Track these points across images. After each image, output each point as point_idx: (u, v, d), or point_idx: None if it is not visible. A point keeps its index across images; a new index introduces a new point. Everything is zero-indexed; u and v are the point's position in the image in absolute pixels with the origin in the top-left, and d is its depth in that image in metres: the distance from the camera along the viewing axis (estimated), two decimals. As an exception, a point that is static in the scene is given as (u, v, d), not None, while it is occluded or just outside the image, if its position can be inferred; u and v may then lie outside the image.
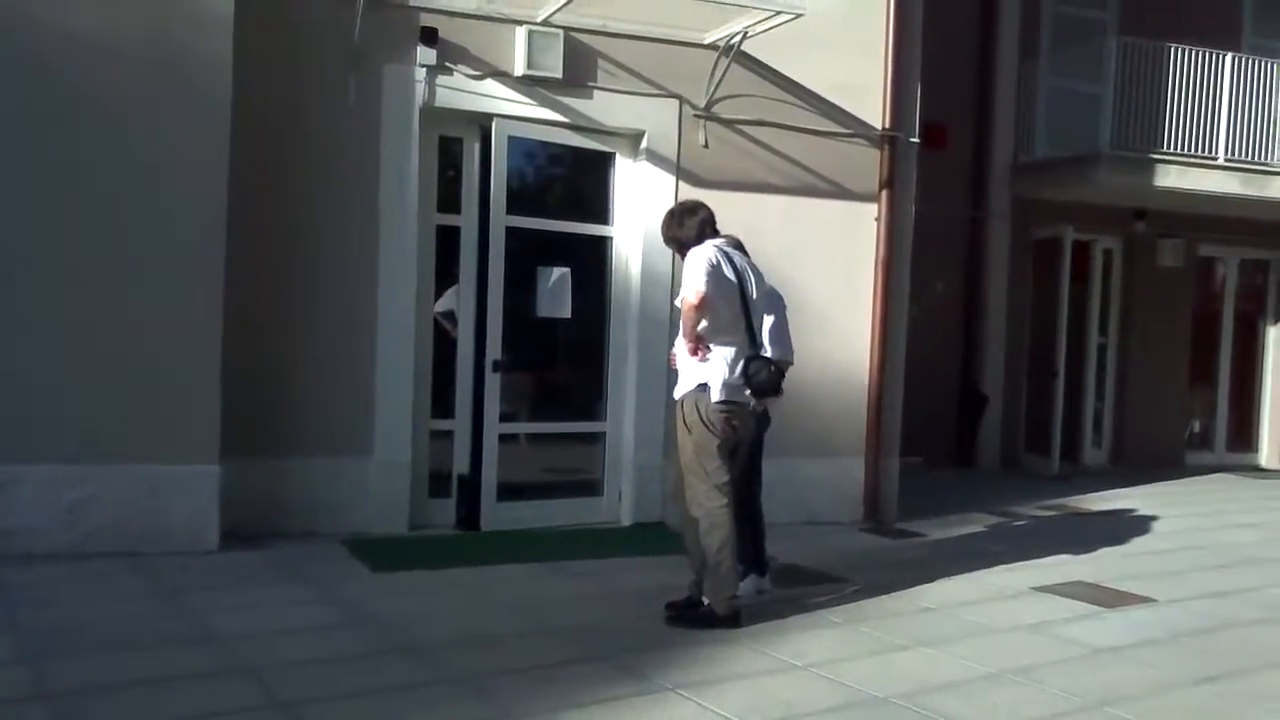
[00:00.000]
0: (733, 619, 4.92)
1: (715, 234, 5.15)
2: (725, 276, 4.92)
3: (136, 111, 5.76)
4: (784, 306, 5.70)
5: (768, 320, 5.46)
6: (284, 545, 6.09)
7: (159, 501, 5.80)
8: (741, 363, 4.93)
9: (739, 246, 5.39)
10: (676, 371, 5.11)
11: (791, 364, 5.65)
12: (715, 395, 4.88)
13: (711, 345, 4.89)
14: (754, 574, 5.51)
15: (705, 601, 4.96)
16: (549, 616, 5.08)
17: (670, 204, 7.01)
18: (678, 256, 5.37)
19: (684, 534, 5.11)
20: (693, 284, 4.83)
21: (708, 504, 4.89)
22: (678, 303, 5.11)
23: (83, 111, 5.67)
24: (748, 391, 4.98)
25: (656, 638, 4.74)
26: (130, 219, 5.76)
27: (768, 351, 5.26)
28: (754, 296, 5.06)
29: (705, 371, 4.90)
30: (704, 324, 4.86)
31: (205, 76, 5.85)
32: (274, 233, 6.35)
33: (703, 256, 4.90)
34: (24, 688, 3.88)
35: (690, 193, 7.25)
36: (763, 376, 4.95)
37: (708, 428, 4.89)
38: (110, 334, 5.73)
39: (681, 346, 4.99)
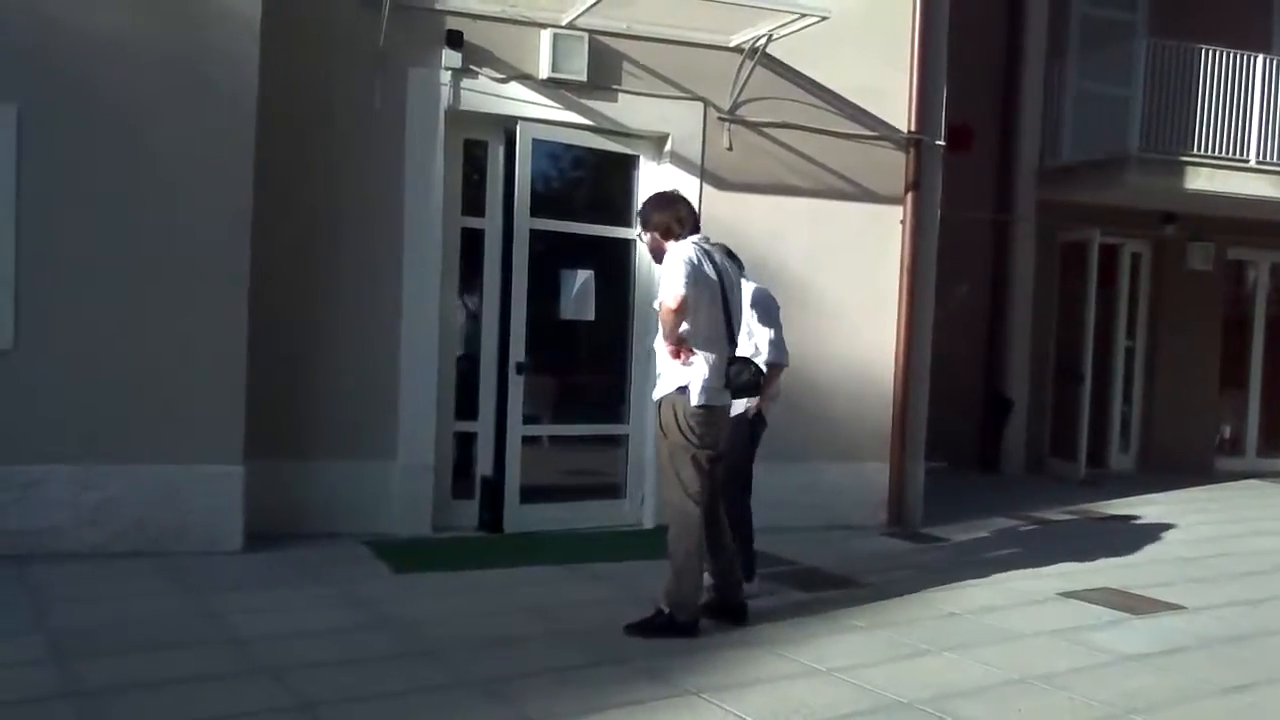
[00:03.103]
0: (690, 628, 4.77)
1: (696, 229, 4.94)
2: (706, 275, 4.73)
3: (162, 112, 5.80)
4: (778, 307, 5.60)
5: (760, 325, 5.40)
6: (307, 546, 6.11)
7: (183, 502, 5.84)
8: (722, 365, 4.78)
9: (729, 253, 5.26)
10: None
11: (786, 366, 5.55)
12: (694, 400, 4.73)
13: (697, 348, 4.71)
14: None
15: (666, 609, 4.80)
16: (571, 619, 5.07)
17: (695, 207, 7.04)
18: (646, 248, 5.11)
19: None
20: (672, 287, 4.60)
21: (680, 509, 4.78)
22: (655, 305, 4.89)
23: (108, 112, 5.71)
24: (729, 394, 4.86)
25: (678, 641, 4.72)
26: (154, 220, 5.81)
27: (755, 353, 5.20)
28: (733, 296, 4.91)
29: (686, 374, 4.73)
30: (685, 326, 4.68)
31: (230, 78, 5.89)
32: (298, 235, 6.39)
33: (682, 256, 4.69)
34: (52, 686, 3.92)
35: (715, 195, 7.28)
36: (744, 378, 4.80)
37: (684, 433, 4.75)
38: (135, 336, 5.78)
39: (661, 346, 4.80)
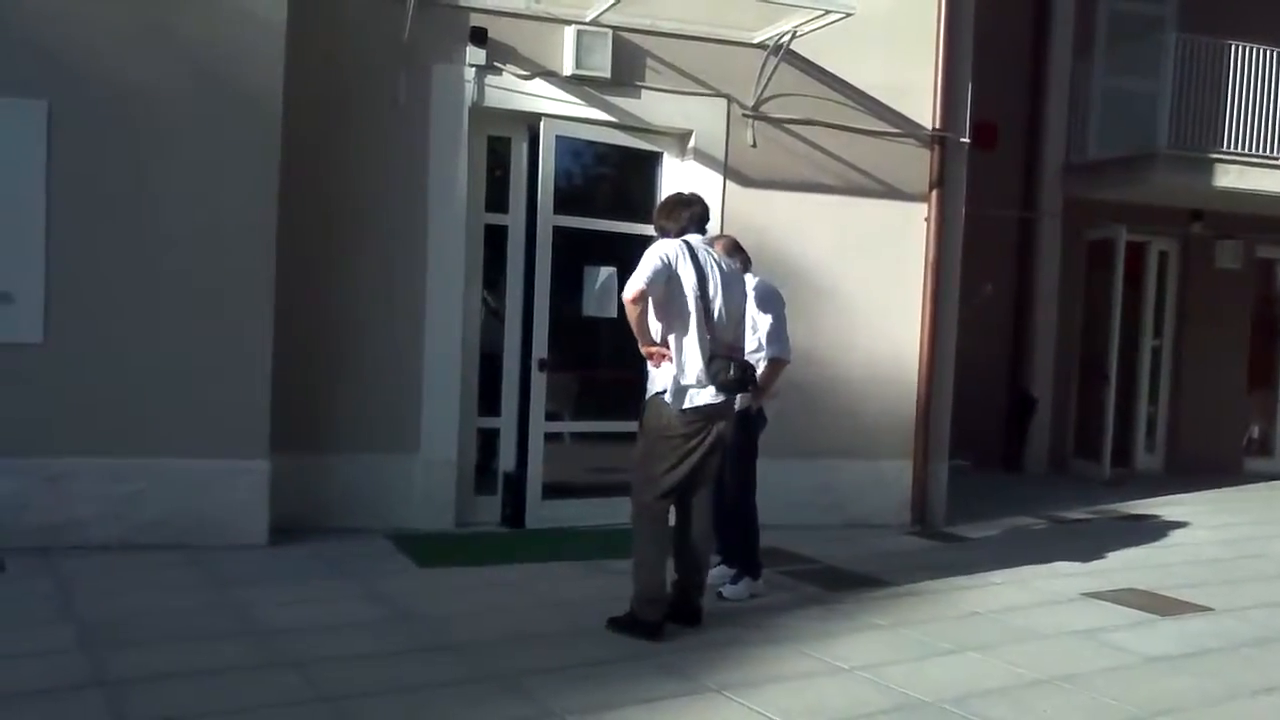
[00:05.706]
0: (652, 629, 4.64)
1: (702, 230, 4.89)
2: (678, 274, 4.61)
3: (188, 113, 5.84)
4: (782, 303, 5.54)
5: (763, 319, 5.36)
6: (331, 540, 6.15)
7: (209, 496, 5.88)
8: (700, 365, 4.65)
9: (736, 247, 5.26)
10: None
11: (788, 362, 5.50)
12: (675, 404, 4.65)
13: (673, 347, 4.65)
14: (747, 577, 5.44)
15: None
16: (592, 615, 5.06)
17: (718, 203, 7.05)
18: None
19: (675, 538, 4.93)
20: (633, 281, 4.55)
21: (641, 501, 4.76)
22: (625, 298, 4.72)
23: (137, 110, 5.75)
24: (714, 393, 4.70)
25: (700, 637, 4.73)
26: (181, 218, 5.84)
27: (758, 349, 5.11)
28: (726, 294, 4.74)
29: (665, 378, 4.67)
30: (655, 325, 4.65)
31: (256, 78, 5.91)
32: (323, 231, 6.42)
33: (655, 252, 4.63)
34: (81, 675, 3.97)
35: (738, 192, 7.27)
36: (722, 379, 4.64)
37: (663, 437, 4.69)
38: (162, 331, 5.82)
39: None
